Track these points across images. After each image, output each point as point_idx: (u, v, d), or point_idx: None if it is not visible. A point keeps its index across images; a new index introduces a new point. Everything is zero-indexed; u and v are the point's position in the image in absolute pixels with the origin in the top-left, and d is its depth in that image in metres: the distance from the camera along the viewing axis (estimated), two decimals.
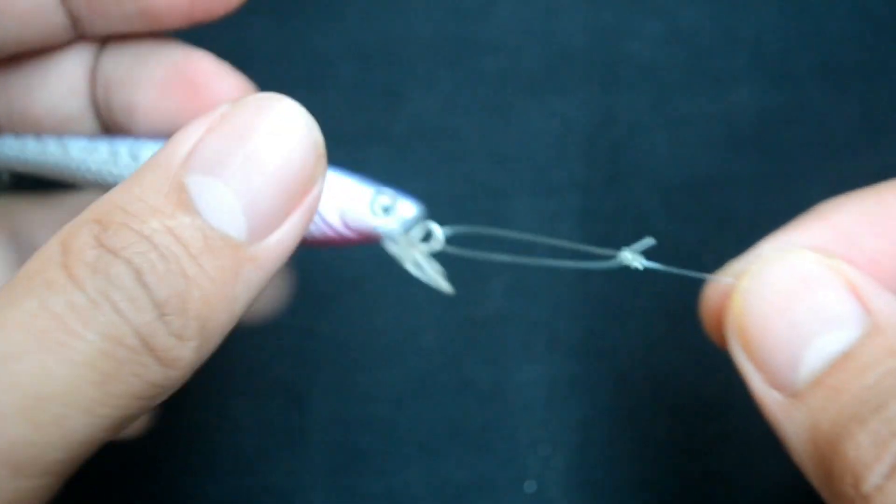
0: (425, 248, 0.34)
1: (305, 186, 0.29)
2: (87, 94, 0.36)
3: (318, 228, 0.33)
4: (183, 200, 0.28)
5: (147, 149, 0.34)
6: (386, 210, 0.33)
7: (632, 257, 0.34)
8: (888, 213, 0.31)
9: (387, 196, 0.33)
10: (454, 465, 0.48)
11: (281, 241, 0.29)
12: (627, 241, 0.50)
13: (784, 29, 0.52)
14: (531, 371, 0.49)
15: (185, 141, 0.28)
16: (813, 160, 0.50)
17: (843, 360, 0.28)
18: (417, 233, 0.34)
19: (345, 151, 0.52)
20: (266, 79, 0.52)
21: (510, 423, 0.49)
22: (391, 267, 0.51)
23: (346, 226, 0.33)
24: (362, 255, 0.50)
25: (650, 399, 0.49)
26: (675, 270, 0.33)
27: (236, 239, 0.28)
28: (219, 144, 0.28)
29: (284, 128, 0.29)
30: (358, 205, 0.33)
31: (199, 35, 0.52)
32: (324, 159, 0.29)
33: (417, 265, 0.34)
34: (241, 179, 0.28)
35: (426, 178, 0.51)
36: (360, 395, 0.49)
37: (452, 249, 0.34)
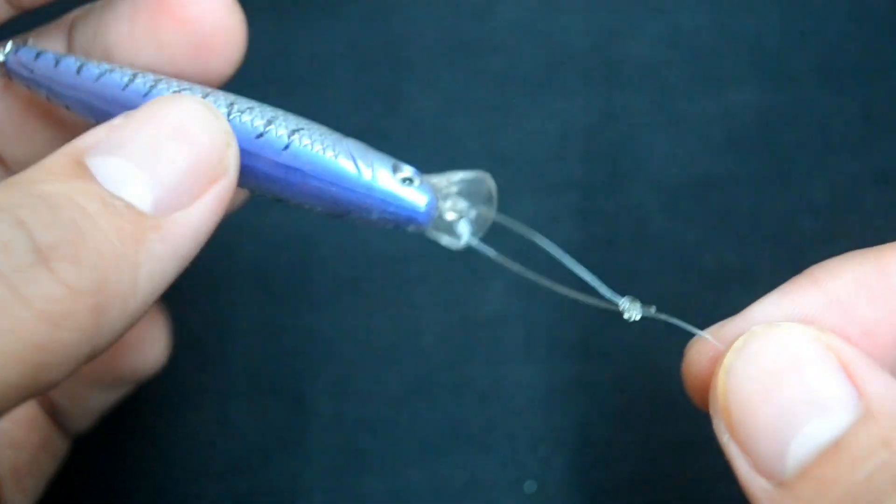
0: (477, 211, 0.34)
1: (215, 169, 0.29)
2: None
3: (355, 197, 0.33)
4: (82, 173, 0.28)
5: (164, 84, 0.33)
6: (408, 181, 0.33)
7: (630, 307, 0.34)
8: (886, 280, 0.29)
9: (406, 170, 0.33)
10: (454, 465, 0.48)
11: (190, 220, 0.29)
12: (627, 242, 0.50)
13: (784, 29, 0.52)
14: (531, 371, 0.49)
15: (89, 136, 0.29)
16: (813, 160, 0.50)
17: (833, 451, 0.26)
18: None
19: None
20: (266, 79, 0.52)
21: (510, 423, 0.49)
22: (391, 267, 0.51)
23: (367, 178, 0.33)
24: (362, 255, 0.50)
25: (650, 399, 0.49)
26: (675, 321, 0.32)
27: (139, 208, 0.28)
28: (123, 132, 0.29)
29: (189, 113, 0.29)
30: (381, 163, 0.33)
31: None
32: (233, 150, 0.30)
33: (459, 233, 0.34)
34: (146, 155, 0.28)
35: None
36: (360, 395, 0.49)
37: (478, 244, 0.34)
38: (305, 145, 0.32)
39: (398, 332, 0.50)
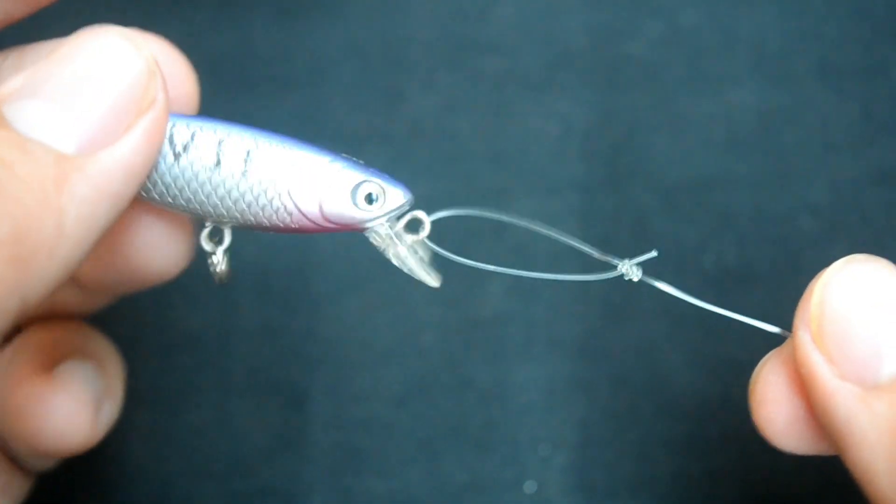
0: (410, 238, 0.33)
1: (139, 102, 0.29)
2: None
3: (294, 218, 0.32)
4: None
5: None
6: (370, 200, 0.32)
7: (630, 269, 0.34)
8: None
9: (374, 184, 0.32)
10: (454, 465, 0.48)
11: (116, 157, 0.28)
12: (627, 241, 0.50)
13: (784, 29, 0.52)
14: (531, 371, 0.49)
15: (5, 85, 0.28)
16: (813, 160, 0.50)
17: None
18: (402, 223, 0.33)
19: (345, 151, 0.52)
20: (266, 79, 0.52)
21: (510, 423, 0.49)
22: (391, 267, 0.50)
23: (326, 217, 0.32)
24: (362, 255, 0.50)
25: (650, 399, 0.49)
26: (685, 296, 0.33)
27: (61, 151, 0.27)
28: (40, 75, 0.28)
29: (108, 47, 0.29)
30: (339, 194, 0.32)
31: (200, 35, 0.52)
32: (157, 79, 0.29)
33: (399, 257, 0.34)
34: (65, 94, 0.28)
35: (426, 178, 0.51)
36: (360, 395, 0.49)
37: (447, 253, 0.34)
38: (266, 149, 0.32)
39: (398, 332, 0.50)
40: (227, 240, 0.34)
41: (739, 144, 0.51)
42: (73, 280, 0.37)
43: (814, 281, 0.30)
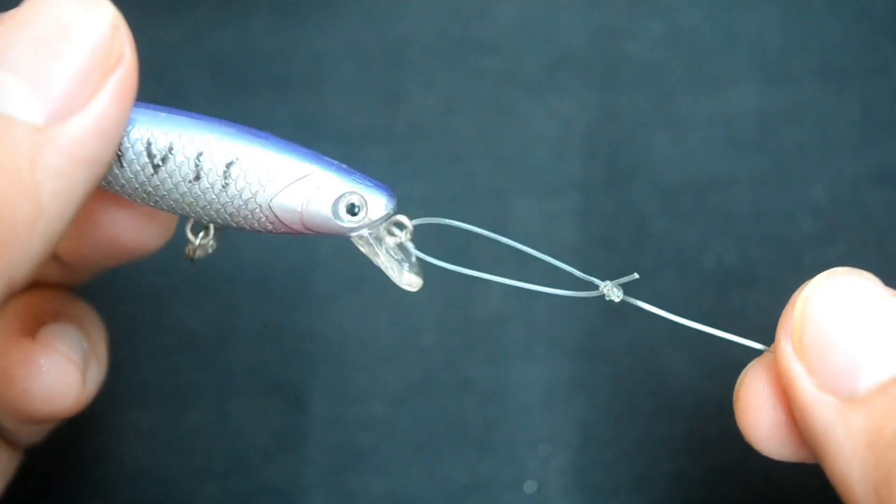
0: (392, 241, 0.33)
1: (105, 64, 0.28)
2: None
3: (276, 226, 0.32)
4: None
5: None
6: (353, 211, 0.32)
7: (611, 290, 0.34)
8: None
9: (356, 196, 0.32)
10: (454, 465, 0.48)
11: (88, 123, 0.27)
12: (627, 242, 0.50)
13: (784, 29, 0.52)
14: (531, 371, 0.49)
15: None
16: (813, 160, 0.50)
17: None
18: (384, 226, 0.33)
19: (345, 151, 0.52)
20: (266, 79, 0.52)
21: (510, 423, 0.49)
22: None
23: (307, 227, 0.32)
24: (362, 255, 0.50)
25: (650, 399, 0.49)
26: (657, 311, 0.33)
27: (31, 122, 0.27)
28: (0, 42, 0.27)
29: (65, 8, 0.27)
30: (320, 207, 0.32)
31: (200, 35, 0.52)
32: (122, 34, 0.28)
33: (379, 260, 0.34)
34: (27, 64, 0.27)
35: (426, 178, 0.51)
36: (360, 395, 0.49)
37: (423, 255, 0.34)
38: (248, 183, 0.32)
39: (398, 332, 0.50)
40: (212, 232, 0.34)
41: (739, 144, 0.51)
42: (53, 255, 0.36)
43: (797, 293, 0.30)
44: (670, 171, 0.50)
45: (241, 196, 0.32)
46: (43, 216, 0.26)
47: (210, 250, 0.34)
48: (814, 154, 0.50)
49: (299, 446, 0.49)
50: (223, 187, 0.32)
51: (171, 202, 0.32)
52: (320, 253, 0.50)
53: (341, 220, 0.32)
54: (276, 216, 0.32)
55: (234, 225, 0.33)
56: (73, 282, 0.39)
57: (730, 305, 0.50)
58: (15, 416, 0.36)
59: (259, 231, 0.33)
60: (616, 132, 0.51)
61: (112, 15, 0.28)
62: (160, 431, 0.49)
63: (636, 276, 0.33)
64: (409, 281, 0.34)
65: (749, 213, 0.50)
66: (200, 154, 0.31)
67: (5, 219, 0.26)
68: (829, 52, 0.51)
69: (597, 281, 0.34)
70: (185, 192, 0.32)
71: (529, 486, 0.48)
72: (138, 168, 0.31)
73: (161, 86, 0.50)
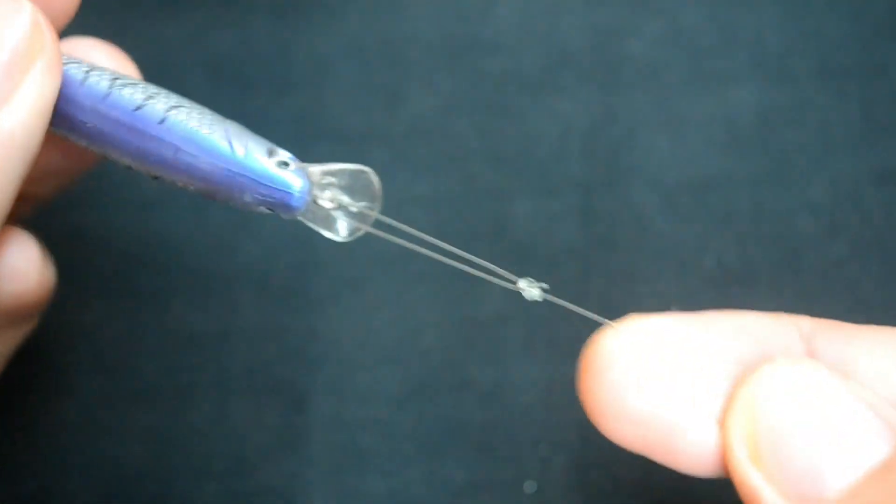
0: (325, 203, 0.34)
1: (27, 54, 0.30)
2: None
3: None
4: None
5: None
6: (272, 209, 0.33)
7: (527, 287, 0.34)
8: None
9: (265, 203, 0.33)
10: (454, 465, 0.48)
11: (16, 115, 0.30)
12: (627, 242, 0.50)
13: (784, 29, 0.52)
14: (531, 371, 0.49)
15: None
16: (813, 160, 0.50)
17: (882, 472, 0.26)
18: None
19: (345, 151, 0.52)
20: (266, 79, 0.52)
21: (510, 423, 0.49)
22: (391, 267, 0.51)
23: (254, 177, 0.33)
24: (362, 255, 0.50)
25: None
26: (574, 308, 0.33)
27: None
28: None
29: None
30: (241, 205, 0.33)
31: (200, 35, 0.52)
32: (42, 28, 0.31)
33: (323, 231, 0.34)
34: None
35: (426, 178, 0.51)
36: (360, 395, 0.49)
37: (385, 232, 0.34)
38: (181, 120, 0.33)
39: (398, 332, 0.50)
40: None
41: (739, 144, 0.51)
42: None
43: (738, 385, 0.28)
44: (670, 171, 0.50)
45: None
46: None
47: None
48: (814, 154, 0.50)
49: (299, 446, 0.49)
50: (160, 121, 0.33)
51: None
52: (320, 253, 0.50)
53: (264, 212, 0.33)
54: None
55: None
56: (19, 214, 0.41)
57: (730, 305, 0.49)
58: None
59: (183, 174, 0.33)
60: (616, 132, 0.51)
61: (30, 15, 0.31)
62: (160, 431, 0.49)
63: (546, 286, 0.33)
64: (341, 238, 0.34)
65: (749, 213, 0.50)
66: (150, 96, 0.33)
67: None
68: (829, 52, 0.51)
69: (513, 277, 0.34)
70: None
71: (529, 486, 0.48)
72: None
73: (161, 86, 0.49)
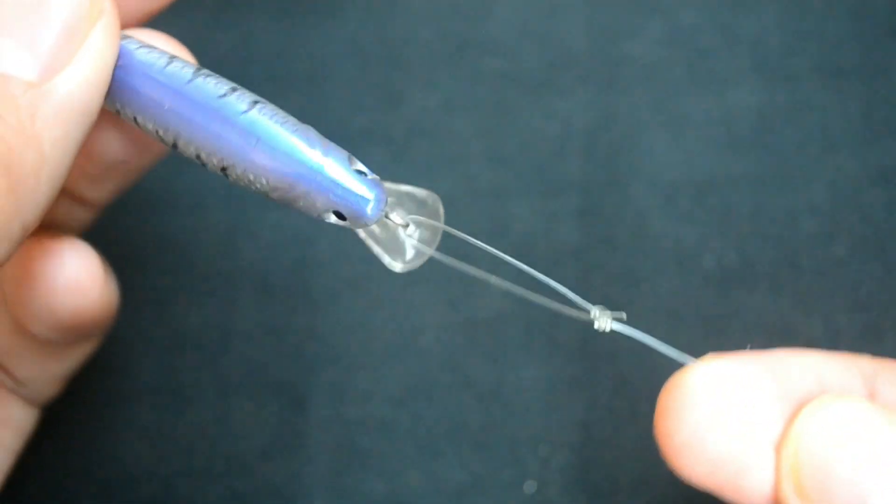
0: (386, 230, 0.34)
1: (87, 17, 0.30)
2: None
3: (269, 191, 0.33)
4: None
5: None
6: (340, 216, 0.33)
7: (601, 316, 0.34)
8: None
9: (338, 208, 0.32)
10: (454, 465, 0.48)
11: (77, 75, 0.30)
12: (627, 242, 0.50)
13: (784, 29, 0.52)
14: (531, 371, 0.49)
15: None
16: (813, 160, 0.50)
17: None
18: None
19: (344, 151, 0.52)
20: (266, 79, 0.52)
21: (510, 423, 0.49)
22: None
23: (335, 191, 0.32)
24: (362, 254, 0.50)
25: (650, 399, 0.49)
26: (647, 339, 0.33)
27: (26, 78, 0.29)
28: None
29: None
30: (308, 209, 0.32)
31: (200, 35, 0.52)
32: None
33: (377, 251, 0.34)
34: (16, 22, 0.29)
35: (426, 178, 0.51)
36: (360, 395, 0.49)
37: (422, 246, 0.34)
38: (264, 114, 0.32)
39: (398, 332, 0.50)
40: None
41: (739, 144, 0.51)
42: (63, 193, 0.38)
43: (789, 422, 0.29)
44: (670, 172, 0.50)
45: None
46: (46, 163, 0.29)
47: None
48: (814, 154, 0.50)
49: (299, 446, 0.49)
50: (243, 112, 0.32)
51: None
52: (320, 253, 0.50)
53: (331, 220, 0.33)
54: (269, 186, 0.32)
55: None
56: (79, 221, 0.40)
57: (730, 305, 0.50)
58: (42, 318, 0.37)
59: (259, 169, 0.33)
60: (616, 132, 0.51)
61: None
62: (160, 431, 0.49)
63: (623, 315, 0.33)
64: (401, 267, 0.34)
65: (749, 213, 0.50)
66: (234, 88, 0.33)
67: (14, 169, 0.28)
68: (829, 52, 0.51)
69: (589, 306, 0.34)
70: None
71: (529, 486, 0.48)
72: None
73: None
